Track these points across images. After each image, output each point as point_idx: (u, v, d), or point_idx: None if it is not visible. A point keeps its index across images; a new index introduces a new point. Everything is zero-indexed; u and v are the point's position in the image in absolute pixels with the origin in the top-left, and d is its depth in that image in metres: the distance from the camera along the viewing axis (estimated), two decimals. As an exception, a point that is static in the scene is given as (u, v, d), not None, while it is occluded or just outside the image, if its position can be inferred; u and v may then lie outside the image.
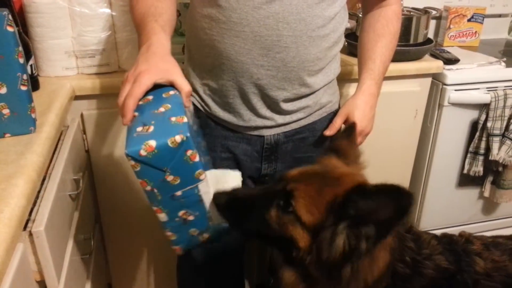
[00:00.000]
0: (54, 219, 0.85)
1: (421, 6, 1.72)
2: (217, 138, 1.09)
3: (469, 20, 1.86)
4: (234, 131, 1.08)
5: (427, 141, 1.67)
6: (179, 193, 0.76)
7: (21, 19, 1.18)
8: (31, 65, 1.12)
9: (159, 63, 0.82)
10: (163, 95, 0.80)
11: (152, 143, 0.70)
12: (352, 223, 0.70)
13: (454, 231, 1.87)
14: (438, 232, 1.84)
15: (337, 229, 0.71)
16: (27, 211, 0.74)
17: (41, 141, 0.89)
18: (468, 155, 1.66)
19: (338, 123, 1.09)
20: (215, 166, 1.10)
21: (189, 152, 0.73)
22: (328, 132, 1.09)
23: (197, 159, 0.74)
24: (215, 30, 0.97)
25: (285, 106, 1.05)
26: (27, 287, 0.74)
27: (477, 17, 1.86)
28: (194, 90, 1.09)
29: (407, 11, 1.65)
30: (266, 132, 1.08)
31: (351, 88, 1.42)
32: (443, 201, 1.76)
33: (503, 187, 1.71)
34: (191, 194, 0.77)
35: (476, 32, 1.88)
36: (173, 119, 0.74)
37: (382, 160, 1.64)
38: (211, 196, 0.80)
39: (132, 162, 0.71)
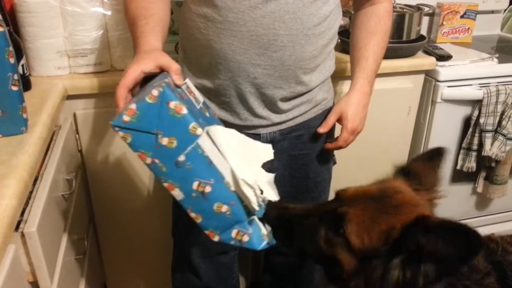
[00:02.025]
0: (47, 219, 0.85)
1: (413, 3, 1.72)
2: None
3: (461, 17, 1.86)
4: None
5: (420, 137, 1.68)
6: (181, 157, 0.70)
7: (12, 19, 1.17)
8: (22, 65, 1.12)
9: (145, 55, 0.83)
10: (154, 84, 0.75)
11: (132, 106, 0.68)
12: (410, 257, 0.67)
13: (448, 226, 1.88)
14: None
15: (392, 261, 0.67)
16: (18, 211, 0.74)
17: (32, 141, 0.88)
18: (461, 151, 1.67)
19: (331, 121, 1.10)
20: None
21: (172, 104, 0.68)
22: (321, 130, 1.10)
23: (184, 111, 0.69)
24: (211, 30, 0.97)
25: (282, 105, 1.05)
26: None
27: (470, 14, 1.87)
28: None
29: (400, 8, 1.65)
30: (262, 131, 1.08)
31: (345, 85, 1.43)
32: (437, 197, 1.77)
33: (496, 182, 1.72)
34: (196, 156, 0.70)
35: (468, 28, 1.89)
36: (154, 85, 0.71)
37: (376, 157, 1.65)
38: (222, 158, 0.72)
39: (121, 133, 0.69)
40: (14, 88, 0.87)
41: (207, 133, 0.72)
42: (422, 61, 1.56)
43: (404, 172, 0.83)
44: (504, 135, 1.62)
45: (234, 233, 0.76)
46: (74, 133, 1.28)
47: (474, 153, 1.65)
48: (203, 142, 0.70)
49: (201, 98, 0.86)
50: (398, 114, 1.61)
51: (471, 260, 0.66)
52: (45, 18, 1.20)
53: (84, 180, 1.34)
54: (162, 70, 0.80)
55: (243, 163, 0.74)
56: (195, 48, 1.03)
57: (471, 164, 1.67)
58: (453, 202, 1.80)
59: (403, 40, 1.56)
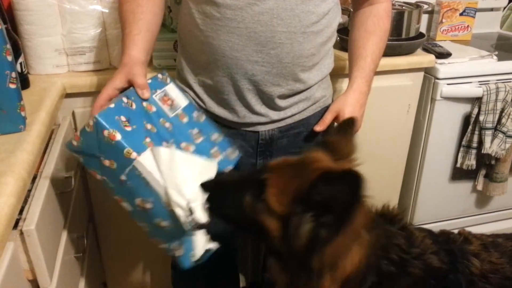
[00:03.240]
0: (46, 217, 0.85)
1: (413, 1, 1.72)
2: None
3: (461, 14, 1.86)
4: (229, 127, 1.08)
5: (420, 135, 1.68)
6: (123, 177, 0.79)
7: (10, 17, 1.16)
8: (20, 63, 1.11)
9: (121, 70, 0.91)
10: (123, 97, 0.86)
11: (77, 132, 0.78)
12: (318, 212, 0.70)
13: (448, 224, 1.89)
14: (432, 226, 1.85)
15: (303, 217, 0.71)
16: (17, 209, 0.74)
17: (31, 139, 0.88)
18: (461, 148, 1.67)
19: (328, 119, 1.10)
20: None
21: (105, 133, 0.76)
22: (318, 128, 1.10)
23: (117, 138, 0.76)
24: (209, 27, 0.97)
25: (280, 102, 1.05)
26: (18, 286, 0.74)
27: (469, 11, 1.86)
28: (189, 85, 1.09)
29: (399, 5, 1.65)
30: (261, 128, 1.08)
31: (344, 83, 1.42)
32: (436, 195, 1.77)
33: (496, 180, 1.71)
34: (134, 176, 0.78)
35: (468, 26, 1.88)
36: (103, 108, 0.81)
37: (376, 155, 1.65)
38: (161, 177, 0.78)
39: (75, 155, 0.79)
40: (12, 86, 0.87)
41: (153, 152, 0.79)
42: (422, 58, 1.56)
43: (323, 145, 0.87)
44: (504, 133, 1.61)
45: (173, 246, 0.84)
46: (73, 131, 1.28)
47: (474, 151, 1.65)
48: (138, 165, 0.78)
49: (184, 102, 0.95)
50: (397, 112, 1.60)
51: (358, 201, 0.68)
52: (43, 16, 1.20)
53: (83, 179, 1.34)
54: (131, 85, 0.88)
55: (182, 183, 0.79)
56: (193, 45, 1.03)
57: (471, 162, 1.66)
58: (453, 200, 1.80)
59: (402, 38, 1.56)
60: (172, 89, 0.96)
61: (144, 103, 0.87)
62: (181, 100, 0.95)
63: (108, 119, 0.77)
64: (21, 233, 0.76)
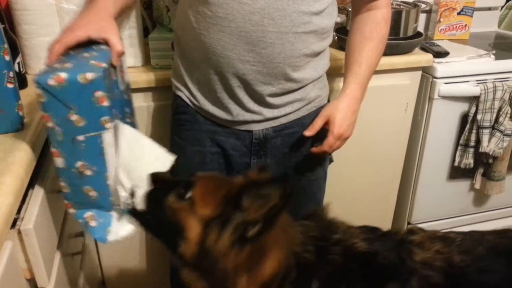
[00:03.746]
0: (44, 217, 0.85)
1: (410, 0, 1.72)
2: (206, 133, 1.09)
3: (459, 14, 1.86)
4: (223, 126, 1.08)
5: (418, 134, 1.68)
6: (81, 137, 0.75)
7: (8, 16, 1.16)
8: (18, 63, 1.11)
9: (99, 21, 0.86)
10: (94, 47, 0.82)
11: (63, 75, 0.71)
12: (244, 214, 0.72)
13: (446, 223, 1.89)
14: (430, 225, 1.86)
15: (229, 219, 0.73)
16: (15, 208, 0.74)
17: (29, 138, 0.88)
18: (459, 147, 1.67)
19: (318, 124, 1.08)
20: (205, 161, 1.11)
21: (98, 93, 0.72)
22: (308, 133, 1.08)
23: (106, 103, 0.73)
24: (202, 25, 0.98)
25: (272, 100, 1.05)
26: (16, 285, 0.74)
27: (467, 10, 1.87)
28: (183, 83, 1.09)
29: (397, 4, 1.65)
30: (254, 127, 1.08)
31: (341, 83, 1.42)
32: (434, 193, 1.77)
33: (494, 179, 1.72)
34: (93, 143, 0.76)
35: (466, 25, 1.89)
36: (92, 62, 0.76)
37: (373, 154, 1.65)
38: (114, 154, 0.78)
39: (39, 91, 0.71)
40: (10, 86, 0.87)
41: (114, 127, 0.77)
42: (419, 57, 1.56)
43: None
44: (501, 131, 1.62)
45: (87, 214, 0.83)
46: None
47: (471, 150, 1.65)
48: (107, 135, 0.76)
49: (128, 80, 0.96)
50: (395, 111, 1.61)
51: (282, 209, 0.71)
52: (41, 15, 1.20)
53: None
54: (106, 43, 0.84)
55: (135, 167, 0.80)
56: (187, 42, 1.04)
57: (469, 161, 1.67)
58: (451, 199, 1.81)
59: (400, 37, 1.56)
60: (125, 64, 0.95)
61: (111, 70, 0.84)
62: (127, 78, 0.96)
63: (104, 82, 0.73)
64: (19, 232, 0.76)
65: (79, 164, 0.78)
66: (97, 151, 0.77)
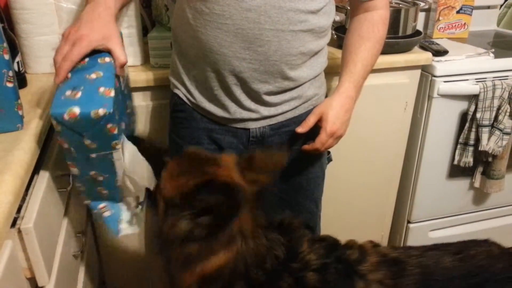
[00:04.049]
0: (44, 216, 0.85)
1: (410, -2, 1.72)
2: (203, 131, 1.09)
3: (458, 12, 1.86)
4: (219, 123, 1.08)
5: (417, 133, 1.68)
6: (93, 155, 0.82)
7: (6, 16, 1.16)
8: (17, 62, 1.11)
9: (102, 29, 0.86)
10: (99, 61, 0.85)
11: (76, 110, 0.75)
12: (197, 212, 0.75)
13: (446, 221, 1.90)
14: (429, 224, 1.86)
15: (182, 213, 0.75)
16: (15, 207, 0.74)
17: (28, 138, 0.88)
18: (458, 146, 1.68)
19: (311, 121, 1.08)
20: None
21: (109, 125, 0.78)
22: (300, 130, 1.08)
23: (116, 131, 0.80)
24: (198, 22, 0.98)
25: (269, 98, 1.05)
26: (17, 284, 0.74)
27: (466, 9, 1.87)
28: (180, 80, 1.09)
29: (396, 3, 1.65)
30: (251, 125, 1.08)
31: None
32: (434, 192, 1.77)
33: (493, 177, 1.72)
34: (105, 159, 0.83)
35: (465, 23, 1.89)
36: (101, 89, 0.79)
37: (373, 153, 1.65)
38: (122, 163, 0.86)
39: (55, 123, 0.77)
40: (9, 85, 0.87)
41: (122, 145, 0.85)
42: (419, 56, 1.56)
43: (247, 156, 0.89)
44: (500, 130, 1.62)
45: (101, 205, 0.93)
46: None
47: (471, 148, 1.65)
48: (117, 153, 0.83)
49: (127, 73, 1.02)
50: (394, 110, 1.61)
51: (231, 215, 0.74)
52: (40, 15, 1.20)
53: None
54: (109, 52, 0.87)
55: (133, 175, 0.90)
56: (184, 39, 1.04)
57: (468, 159, 1.67)
58: (450, 197, 1.81)
59: (399, 36, 1.56)
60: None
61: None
62: (126, 68, 1.00)
63: (114, 113, 0.79)
64: (19, 231, 0.76)
65: (92, 173, 0.86)
66: (108, 164, 0.84)
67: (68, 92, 0.79)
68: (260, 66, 0.99)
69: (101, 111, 0.75)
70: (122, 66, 0.87)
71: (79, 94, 0.78)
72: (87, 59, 0.85)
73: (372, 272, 0.84)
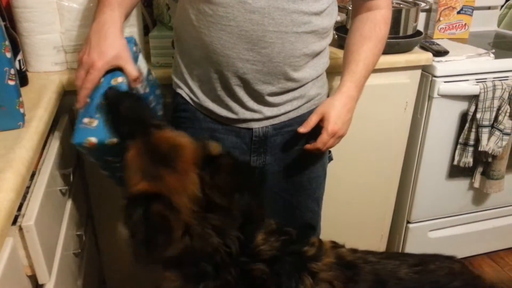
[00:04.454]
0: (44, 214, 0.85)
1: (410, -1, 1.72)
2: (206, 131, 1.09)
3: (458, 13, 1.87)
4: (222, 123, 1.08)
5: (417, 133, 1.68)
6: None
7: (8, 14, 1.17)
8: (19, 60, 1.12)
9: (110, 51, 0.91)
10: (112, 82, 0.92)
11: (93, 140, 0.87)
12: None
13: (445, 222, 1.90)
14: (429, 224, 1.86)
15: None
16: (16, 205, 0.74)
17: (30, 135, 0.89)
18: (458, 146, 1.68)
19: (313, 121, 1.07)
20: None
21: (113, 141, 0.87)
22: (302, 129, 1.07)
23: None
24: (202, 23, 0.98)
25: (271, 99, 1.05)
26: (17, 281, 0.74)
27: (467, 9, 1.87)
28: (184, 80, 1.09)
29: (397, 3, 1.65)
30: (254, 125, 1.08)
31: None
32: (433, 192, 1.77)
33: (493, 177, 1.72)
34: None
35: (465, 24, 1.89)
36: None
37: (373, 152, 1.66)
38: None
39: (78, 147, 0.89)
40: (11, 83, 0.87)
41: None
42: (419, 56, 1.56)
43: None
44: (500, 130, 1.62)
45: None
46: (71, 129, 1.28)
47: (471, 149, 1.65)
48: None
49: (145, 68, 1.05)
50: (395, 110, 1.61)
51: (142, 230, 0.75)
52: (41, 13, 1.20)
53: (82, 176, 1.35)
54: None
55: None
56: (187, 40, 1.04)
57: (468, 160, 1.67)
58: (450, 198, 1.81)
59: (400, 36, 1.56)
60: (141, 60, 1.03)
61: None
62: (145, 68, 1.04)
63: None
64: (20, 228, 0.76)
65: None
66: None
67: (86, 120, 0.89)
68: (264, 67, 0.99)
69: (115, 139, 0.85)
70: (135, 80, 0.93)
71: (95, 123, 0.88)
72: (102, 79, 0.92)
73: (324, 272, 0.84)
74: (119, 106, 0.84)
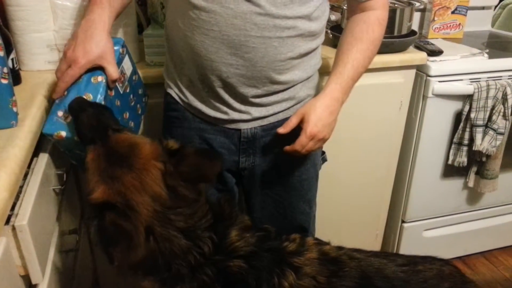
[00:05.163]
0: (38, 213, 0.84)
1: (405, -2, 1.73)
2: (195, 131, 1.09)
3: (453, 12, 1.88)
4: (211, 123, 1.08)
5: (412, 132, 1.69)
6: (78, 151, 0.96)
7: (1, 12, 1.16)
8: (12, 59, 1.10)
9: (95, 50, 0.93)
10: (92, 80, 0.95)
11: (63, 133, 0.92)
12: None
13: (440, 221, 1.91)
14: (424, 223, 1.86)
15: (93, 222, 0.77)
16: (9, 204, 0.73)
17: (23, 134, 0.88)
18: (452, 146, 1.68)
19: (293, 122, 1.03)
20: None
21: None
22: (281, 130, 1.03)
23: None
24: (186, 26, 0.98)
25: (258, 100, 1.04)
26: (11, 281, 0.74)
27: (461, 9, 1.88)
28: (173, 80, 1.09)
29: (391, 3, 1.66)
30: (243, 126, 1.07)
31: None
32: (428, 191, 1.78)
33: (487, 177, 1.73)
34: None
35: (460, 24, 1.90)
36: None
37: (368, 152, 1.66)
38: None
39: (47, 137, 0.94)
40: (4, 82, 0.86)
41: None
42: (413, 56, 1.57)
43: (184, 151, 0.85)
44: (494, 130, 1.63)
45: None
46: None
47: (465, 148, 1.66)
48: None
49: (130, 68, 1.07)
50: (389, 109, 1.61)
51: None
52: (34, 11, 1.19)
53: (75, 175, 1.34)
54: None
55: None
56: (175, 41, 1.04)
57: (462, 159, 1.68)
58: (444, 197, 1.82)
59: (394, 35, 1.57)
60: (126, 62, 1.05)
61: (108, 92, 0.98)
62: (129, 69, 1.07)
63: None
64: (13, 228, 0.75)
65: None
66: None
67: (60, 113, 0.92)
68: (247, 71, 0.98)
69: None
70: (114, 81, 0.96)
71: (69, 119, 0.91)
72: (83, 76, 0.95)
73: (308, 267, 0.82)
74: (81, 114, 0.86)
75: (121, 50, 1.02)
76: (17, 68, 1.14)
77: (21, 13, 1.18)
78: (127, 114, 1.07)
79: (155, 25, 1.43)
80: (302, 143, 1.02)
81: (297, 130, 1.03)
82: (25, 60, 1.23)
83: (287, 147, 1.04)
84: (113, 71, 0.95)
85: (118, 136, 0.84)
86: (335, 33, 1.56)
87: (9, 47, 1.09)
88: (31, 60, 1.23)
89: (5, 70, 0.86)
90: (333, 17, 1.64)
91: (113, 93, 1.00)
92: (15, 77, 1.10)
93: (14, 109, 0.90)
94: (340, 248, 0.90)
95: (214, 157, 0.90)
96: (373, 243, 1.89)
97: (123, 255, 0.76)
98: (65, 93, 0.95)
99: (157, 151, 0.82)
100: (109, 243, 0.75)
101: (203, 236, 0.81)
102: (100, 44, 0.93)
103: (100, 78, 0.95)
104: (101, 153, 0.81)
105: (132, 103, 1.09)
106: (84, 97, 0.92)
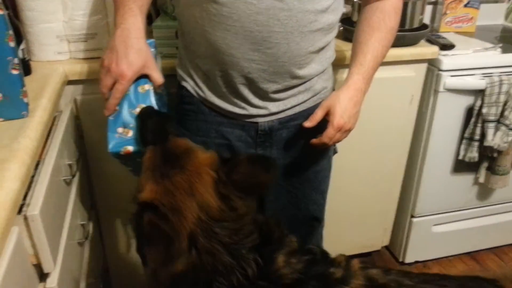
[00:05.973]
0: (49, 203, 0.85)
1: (417, -9, 1.70)
2: (211, 124, 1.09)
3: (465, 6, 1.85)
4: (228, 117, 1.07)
5: (422, 127, 1.67)
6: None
7: (11, 3, 1.16)
8: (22, 50, 1.11)
9: (138, 60, 0.92)
10: (139, 90, 0.95)
11: (130, 148, 0.93)
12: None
13: (449, 216, 1.89)
14: (433, 218, 1.85)
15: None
16: (21, 194, 0.74)
17: (34, 125, 0.88)
18: (463, 141, 1.67)
19: (318, 115, 1.04)
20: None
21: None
22: (308, 124, 1.04)
23: None
24: (206, 21, 0.96)
25: (277, 95, 1.04)
26: (23, 270, 0.74)
27: (473, 3, 1.85)
28: (188, 74, 1.08)
29: (403, -4, 1.63)
30: (260, 119, 1.07)
31: (345, 74, 1.41)
32: (438, 187, 1.77)
33: (498, 173, 1.71)
34: None
35: (472, 17, 1.87)
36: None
37: (377, 146, 1.65)
38: None
39: (113, 156, 0.95)
40: (15, 72, 0.87)
41: None
42: (425, 50, 1.55)
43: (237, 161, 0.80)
44: (506, 126, 1.61)
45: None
46: (75, 119, 1.28)
47: (476, 144, 1.65)
48: None
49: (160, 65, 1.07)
50: (400, 103, 1.60)
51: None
52: (44, 2, 1.19)
53: (86, 165, 1.34)
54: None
55: None
56: (192, 35, 1.03)
57: (473, 155, 1.66)
58: (454, 192, 1.81)
59: (405, 29, 1.55)
60: (158, 62, 1.05)
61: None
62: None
63: None
64: (25, 218, 0.76)
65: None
66: None
67: (120, 129, 0.94)
68: (269, 67, 0.98)
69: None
70: (160, 86, 0.97)
71: (130, 133, 0.93)
72: (130, 88, 0.95)
73: None
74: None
75: (155, 52, 1.01)
76: (27, 58, 1.15)
77: (31, 3, 1.18)
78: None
79: (164, 16, 1.42)
80: (329, 135, 1.04)
81: (320, 122, 1.05)
82: (35, 51, 1.24)
83: (315, 140, 1.06)
84: (157, 77, 0.96)
85: (178, 140, 0.84)
86: (346, 26, 1.54)
87: (19, 37, 1.09)
88: (41, 51, 1.24)
89: (16, 61, 0.86)
90: (344, 10, 1.62)
91: (157, 96, 1.00)
92: (25, 67, 1.10)
93: (25, 99, 0.90)
94: (387, 272, 0.83)
95: (269, 164, 0.82)
96: (382, 238, 1.88)
97: (159, 260, 0.71)
98: (117, 108, 0.94)
99: (213, 159, 0.79)
100: (145, 243, 0.73)
101: (247, 257, 0.75)
102: (141, 53, 0.93)
103: (147, 87, 0.95)
104: (159, 152, 0.80)
105: (165, 100, 1.08)
106: (138, 109, 0.93)
